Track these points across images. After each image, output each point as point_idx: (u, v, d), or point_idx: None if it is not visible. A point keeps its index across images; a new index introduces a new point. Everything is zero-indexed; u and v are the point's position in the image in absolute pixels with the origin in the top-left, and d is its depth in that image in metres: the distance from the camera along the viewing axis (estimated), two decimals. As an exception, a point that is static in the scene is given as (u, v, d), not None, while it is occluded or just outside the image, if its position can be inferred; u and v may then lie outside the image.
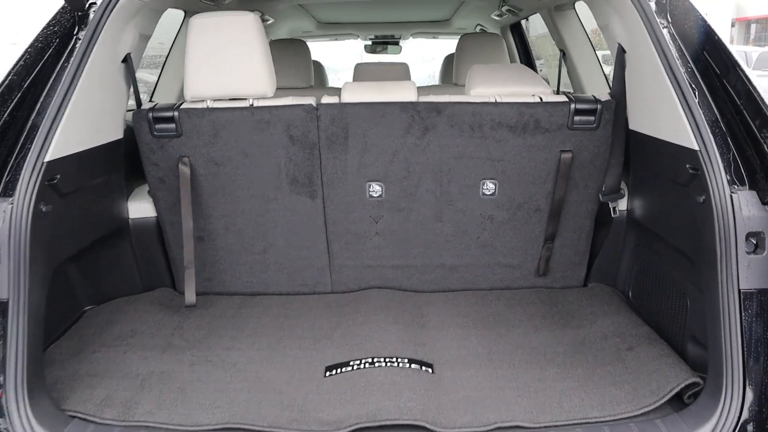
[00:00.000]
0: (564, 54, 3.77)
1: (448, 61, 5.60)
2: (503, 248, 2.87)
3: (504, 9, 4.51)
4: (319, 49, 7.08)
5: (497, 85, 2.63)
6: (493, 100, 2.56)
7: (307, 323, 2.66)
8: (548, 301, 2.83)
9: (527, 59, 5.32)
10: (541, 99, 2.57)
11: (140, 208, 2.86)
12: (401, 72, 4.12)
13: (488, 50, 4.02)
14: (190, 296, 2.77)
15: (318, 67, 5.14)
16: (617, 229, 2.81)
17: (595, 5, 2.80)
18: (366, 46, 6.75)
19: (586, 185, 2.70)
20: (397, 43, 6.67)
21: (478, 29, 5.91)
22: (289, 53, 4.21)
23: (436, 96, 2.60)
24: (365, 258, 2.90)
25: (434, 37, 6.74)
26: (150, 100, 3.98)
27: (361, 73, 4.18)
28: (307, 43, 4.47)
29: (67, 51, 2.27)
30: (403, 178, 2.68)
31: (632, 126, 2.58)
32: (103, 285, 2.88)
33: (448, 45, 6.58)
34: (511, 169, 2.65)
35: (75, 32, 2.30)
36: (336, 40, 6.83)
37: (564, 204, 2.73)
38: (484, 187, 2.71)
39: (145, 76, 4.42)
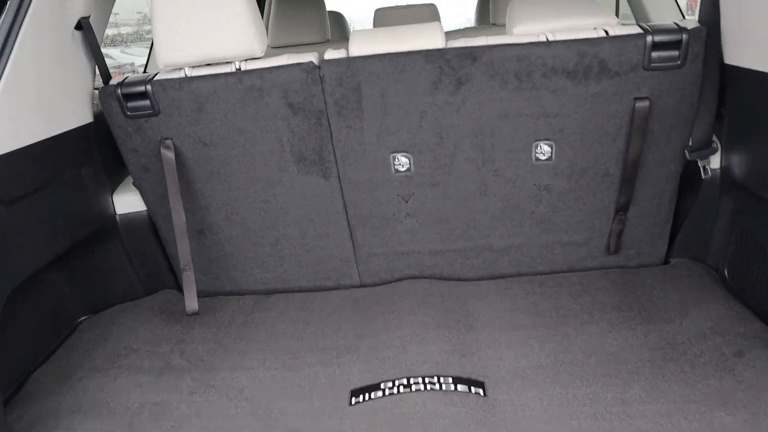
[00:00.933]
0: None
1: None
2: (564, 223, 2.34)
3: None
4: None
5: (547, 20, 2.05)
6: (544, 39, 1.99)
7: (330, 329, 2.21)
8: (623, 286, 2.29)
9: None
10: (606, 33, 1.99)
11: (128, 201, 2.43)
12: (428, 14, 3.52)
13: None
14: (192, 303, 2.34)
15: (336, 18, 4.58)
16: (708, 193, 2.24)
17: None
18: None
19: (668, 140, 2.13)
20: None
21: None
22: (298, 4, 3.66)
23: (469, 39, 2.04)
24: (396, 244, 2.41)
25: None
26: (144, 71, 3.54)
27: (382, 19, 3.61)
28: None
29: None
30: (435, 146, 2.15)
31: (729, 60, 1.98)
32: (97, 291, 2.49)
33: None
34: (571, 126, 2.10)
35: None
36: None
37: (640, 165, 2.17)
38: (538, 151, 2.16)
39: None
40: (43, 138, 1.95)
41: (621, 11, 3.55)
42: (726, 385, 1.68)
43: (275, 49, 3.59)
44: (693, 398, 1.66)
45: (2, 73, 1.73)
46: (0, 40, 1.74)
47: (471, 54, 1.97)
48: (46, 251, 2.05)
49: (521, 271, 2.46)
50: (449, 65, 1.99)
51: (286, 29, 3.57)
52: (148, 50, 3.47)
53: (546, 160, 2.18)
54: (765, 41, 1.76)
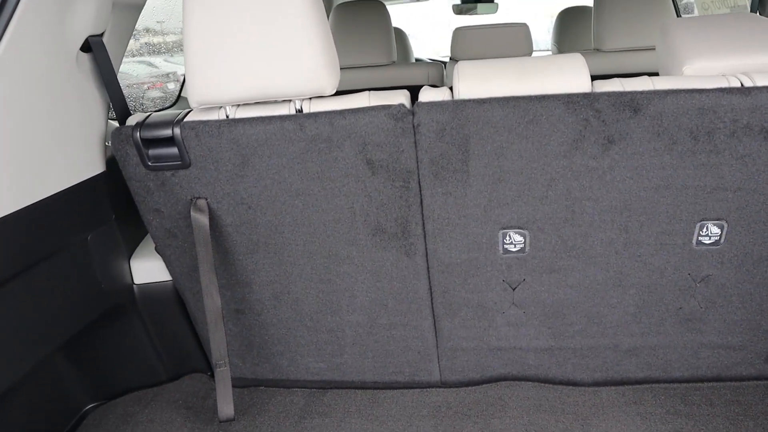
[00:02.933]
0: None
1: (569, 17, 3.89)
2: (720, 322, 1.75)
3: None
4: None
5: (738, 53, 1.47)
6: (738, 84, 1.41)
7: None
8: None
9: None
10: None
11: (150, 268, 1.90)
12: (520, 37, 2.93)
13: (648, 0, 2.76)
14: (226, 407, 1.80)
15: (400, 36, 4.01)
16: None
17: None
18: (454, 6, 5.53)
19: None
20: (492, 0, 5.40)
21: None
22: (361, 19, 3.10)
23: (625, 81, 1.46)
24: (493, 339, 1.84)
25: None
26: (175, 103, 3.06)
27: (464, 41, 3.01)
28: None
29: None
30: (563, 223, 1.58)
31: None
32: (109, 375, 1.98)
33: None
34: (756, 202, 1.51)
35: None
36: (416, 0, 5.65)
37: None
38: (703, 233, 1.58)
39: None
40: (40, 199, 1.43)
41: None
42: None
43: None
44: None
45: None
46: None
47: (633, 102, 1.39)
48: (44, 343, 1.54)
49: (651, 377, 1.87)
50: (599, 117, 1.41)
51: (346, 47, 3.01)
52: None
53: (711, 244, 1.59)
54: None
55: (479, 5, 5.59)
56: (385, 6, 3.14)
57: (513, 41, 2.88)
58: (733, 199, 1.50)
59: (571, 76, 1.44)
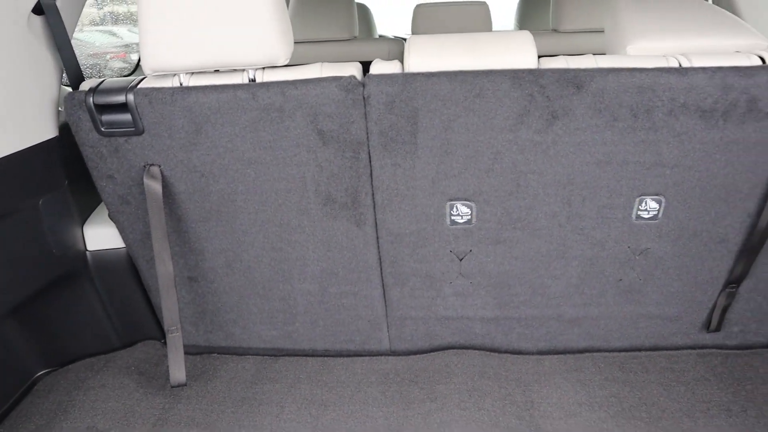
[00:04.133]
0: None
1: None
2: (657, 294, 1.83)
3: None
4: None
5: (679, 35, 1.53)
6: (676, 65, 1.46)
7: (355, 419, 1.71)
8: (727, 376, 1.80)
9: None
10: (763, 60, 1.47)
11: (103, 235, 1.90)
12: (479, 15, 2.96)
13: None
14: (177, 372, 1.83)
15: (364, 11, 4.00)
16: None
17: None
18: None
19: None
20: None
21: None
22: None
23: (570, 59, 1.51)
24: (441, 308, 1.89)
25: None
26: (134, 71, 3.02)
27: (424, 18, 3.03)
28: None
29: None
30: (508, 195, 1.63)
31: None
32: (60, 341, 1.98)
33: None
34: (692, 179, 1.58)
35: None
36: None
37: None
38: (642, 207, 1.64)
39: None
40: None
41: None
42: None
43: (295, 44, 3.03)
44: None
45: None
46: None
47: (576, 79, 1.43)
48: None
49: (593, 346, 1.95)
50: (543, 93, 1.45)
51: (307, 21, 3.00)
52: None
53: (650, 219, 1.66)
54: None
55: None
56: None
57: (472, 19, 2.91)
58: (671, 175, 1.57)
59: (517, 53, 1.48)
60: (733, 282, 1.77)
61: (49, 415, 1.77)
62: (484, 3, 2.97)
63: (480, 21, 2.93)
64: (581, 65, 1.46)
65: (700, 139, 1.50)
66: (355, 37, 3.10)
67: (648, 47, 1.51)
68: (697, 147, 1.52)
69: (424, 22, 3.02)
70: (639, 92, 1.43)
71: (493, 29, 3.12)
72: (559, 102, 1.46)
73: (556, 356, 1.95)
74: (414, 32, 3.13)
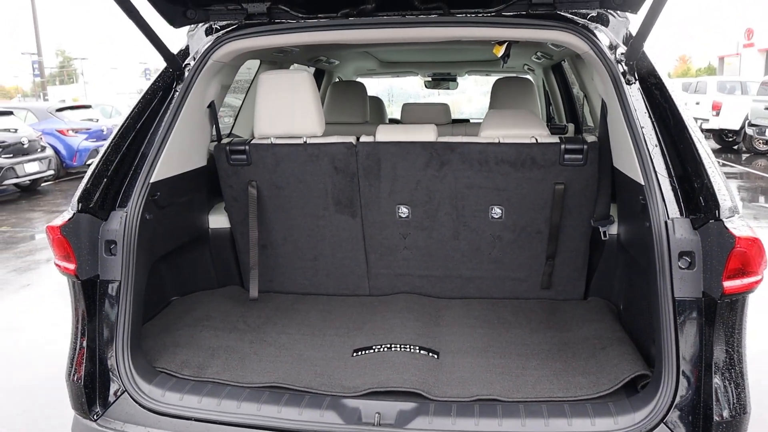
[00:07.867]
0: (586, 96, 4.28)
1: (500, 84, 5.85)
2: (511, 264, 3.41)
3: (539, 54, 5.08)
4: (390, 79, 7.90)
5: (503, 128, 3.21)
6: (497, 141, 3.13)
7: (345, 317, 3.29)
8: (549, 311, 3.33)
9: (568, 97, 5.79)
10: (536, 140, 3.12)
11: (218, 220, 3.59)
12: (442, 112, 4.75)
13: (518, 92, 4.57)
14: (254, 292, 3.46)
15: (376, 103, 5.83)
16: (609, 250, 3.30)
17: (581, 66, 3.34)
18: (425, 82, 7.43)
19: (579, 212, 3.22)
20: (454, 80, 7.31)
21: (525, 68, 6.46)
22: (348, 94, 4.94)
23: (450, 137, 3.20)
24: (396, 268, 3.50)
25: (487, 75, 7.33)
26: (230, 132, 4.79)
27: (408, 112, 4.84)
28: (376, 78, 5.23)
29: (168, 99, 3.02)
30: (425, 203, 3.28)
31: (614, 163, 3.09)
32: (186, 280, 3.61)
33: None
34: (514, 197, 3.21)
35: (174, 86, 3.05)
36: (397, 76, 7.54)
37: (560, 228, 3.25)
38: (492, 212, 3.27)
39: (231, 101, 5.18)
40: (182, 171, 3.13)
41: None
42: (588, 364, 2.68)
43: (328, 125, 4.84)
44: (566, 370, 2.66)
45: (171, 131, 2.92)
46: (172, 113, 2.94)
47: (450, 146, 3.12)
48: (166, 245, 3.20)
49: (481, 295, 3.52)
50: (437, 152, 3.14)
51: (337, 111, 4.82)
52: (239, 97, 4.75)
53: (498, 218, 3.28)
54: (623, 155, 2.83)
55: (445, 82, 7.49)
56: (363, 84, 4.99)
57: (437, 113, 4.70)
58: (503, 194, 3.21)
59: (425, 135, 3.19)
60: (550, 257, 3.35)
61: (182, 311, 3.36)
62: (445, 104, 4.78)
63: (442, 114, 4.70)
64: (454, 140, 3.15)
65: (513, 177, 3.15)
66: (367, 121, 4.89)
67: (490, 134, 3.19)
68: (513, 181, 3.16)
69: (408, 114, 4.81)
70: (480, 153, 3.10)
71: (478, 111, 4.94)
72: (444, 156, 3.13)
73: (459, 300, 3.51)
74: (402, 120, 4.93)
